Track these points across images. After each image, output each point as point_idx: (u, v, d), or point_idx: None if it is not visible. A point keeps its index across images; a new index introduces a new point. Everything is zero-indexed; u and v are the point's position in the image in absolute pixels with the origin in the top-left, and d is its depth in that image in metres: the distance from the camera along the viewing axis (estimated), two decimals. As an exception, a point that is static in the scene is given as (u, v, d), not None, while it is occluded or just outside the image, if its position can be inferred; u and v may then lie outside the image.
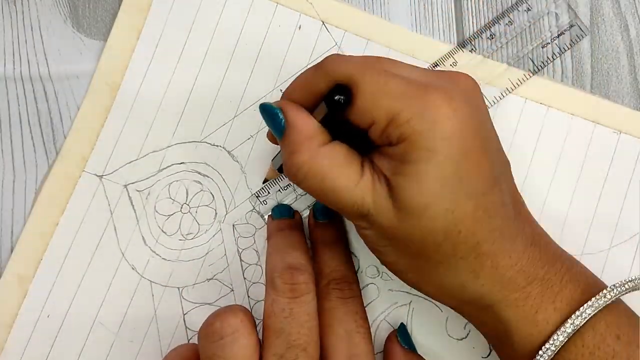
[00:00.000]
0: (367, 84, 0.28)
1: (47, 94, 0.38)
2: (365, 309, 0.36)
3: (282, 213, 0.36)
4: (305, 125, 0.30)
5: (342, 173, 0.29)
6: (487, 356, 0.36)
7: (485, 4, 0.40)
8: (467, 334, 0.36)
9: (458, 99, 0.28)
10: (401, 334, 0.35)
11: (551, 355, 0.28)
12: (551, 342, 0.28)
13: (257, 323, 0.36)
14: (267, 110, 0.31)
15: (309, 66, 0.38)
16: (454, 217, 0.28)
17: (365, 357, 0.31)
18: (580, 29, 0.38)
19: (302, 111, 0.30)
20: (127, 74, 0.38)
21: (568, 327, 0.28)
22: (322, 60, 0.30)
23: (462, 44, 0.38)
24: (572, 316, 0.28)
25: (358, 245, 0.37)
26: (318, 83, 0.30)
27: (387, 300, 0.37)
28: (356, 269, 0.37)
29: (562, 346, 0.28)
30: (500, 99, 0.38)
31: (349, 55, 0.30)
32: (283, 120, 0.30)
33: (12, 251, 0.37)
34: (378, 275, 0.37)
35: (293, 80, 0.31)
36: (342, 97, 0.28)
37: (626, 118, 0.38)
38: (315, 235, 0.36)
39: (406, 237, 0.29)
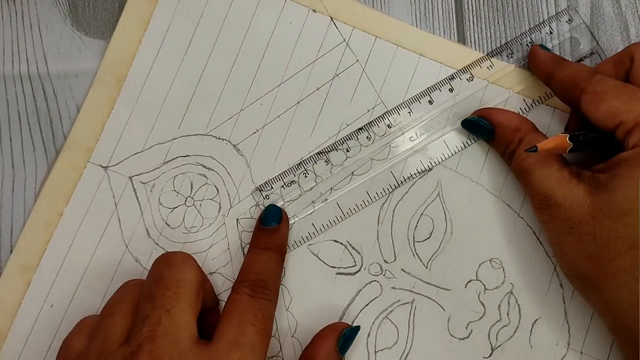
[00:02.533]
0: (614, 102, 0.31)
1: (47, 92, 0.38)
2: (368, 306, 0.36)
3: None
4: (511, 118, 0.35)
5: (546, 161, 0.32)
6: (489, 356, 0.36)
7: (485, 2, 0.40)
8: (469, 334, 0.36)
9: None
10: (344, 340, 0.34)
11: None
12: None
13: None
14: (471, 122, 0.36)
15: (316, 62, 0.38)
16: None
17: (250, 349, 0.30)
18: (600, 57, 0.38)
19: (502, 110, 0.36)
20: (134, 66, 0.38)
21: None
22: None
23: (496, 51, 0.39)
24: None
25: (361, 241, 0.37)
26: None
27: (389, 298, 0.37)
28: (359, 266, 0.37)
29: None
30: (532, 107, 0.38)
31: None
32: (487, 124, 0.36)
33: (11, 250, 0.37)
34: (381, 273, 0.37)
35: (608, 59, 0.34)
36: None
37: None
38: (255, 238, 0.36)
39: (591, 234, 0.29)
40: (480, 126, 0.36)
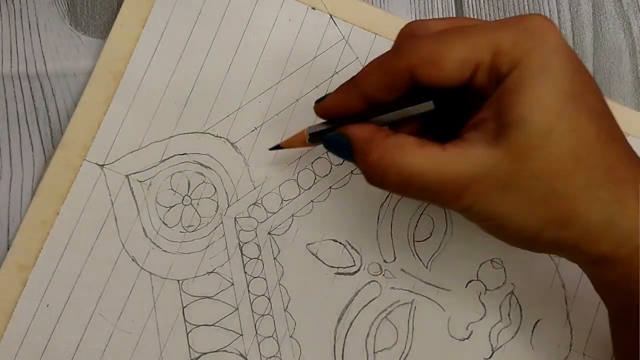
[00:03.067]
0: (455, 49, 0.26)
1: (45, 92, 0.38)
2: (367, 306, 0.36)
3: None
4: (361, 130, 0.29)
5: (418, 154, 0.27)
6: (490, 357, 0.36)
7: (485, 2, 0.39)
8: (470, 335, 0.36)
9: (551, 21, 0.27)
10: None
11: None
12: None
13: (256, 319, 0.36)
14: (332, 141, 0.30)
15: (315, 59, 0.37)
16: (578, 138, 0.26)
17: None
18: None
19: (357, 125, 0.29)
20: (131, 63, 0.38)
21: None
22: (396, 47, 0.28)
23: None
24: None
25: (361, 241, 0.36)
26: (396, 65, 0.28)
27: (389, 298, 0.36)
28: (358, 266, 0.36)
29: None
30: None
31: (423, 25, 0.29)
32: (345, 140, 0.29)
33: (8, 249, 0.36)
34: (380, 273, 0.36)
35: (365, 66, 0.29)
36: (455, 98, 0.28)
37: (629, 120, 0.37)
38: None
39: (531, 177, 0.26)
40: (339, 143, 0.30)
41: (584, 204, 0.26)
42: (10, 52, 0.38)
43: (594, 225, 0.26)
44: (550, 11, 0.39)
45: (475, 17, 0.39)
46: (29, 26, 0.39)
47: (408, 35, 0.29)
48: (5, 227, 0.37)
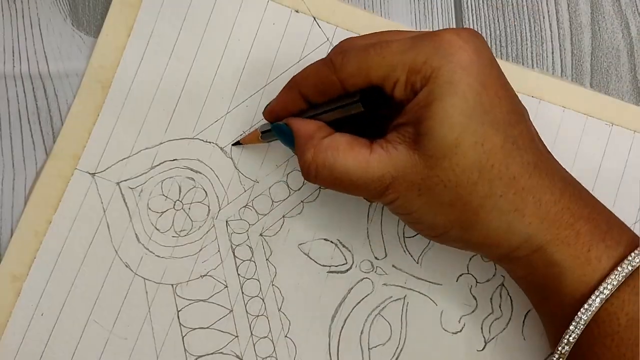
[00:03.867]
0: (375, 68, 0.29)
1: (47, 92, 0.38)
2: (360, 303, 0.36)
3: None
4: (304, 126, 0.31)
5: (348, 156, 0.30)
6: (482, 349, 0.36)
7: (485, 1, 0.40)
8: (462, 328, 0.36)
9: (465, 34, 0.29)
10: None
11: (607, 296, 0.28)
12: (608, 281, 0.28)
13: (251, 320, 0.36)
14: (277, 128, 0.33)
15: (300, 61, 0.38)
16: (484, 150, 0.28)
17: None
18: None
19: (302, 119, 0.32)
20: (119, 71, 0.38)
21: (626, 266, 0.28)
22: (329, 61, 0.30)
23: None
24: (632, 254, 0.28)
25: (352, 239, 0.37)
26: (329, 77, 0.30)
27: (381, 295, 0.37)
28: (350, 264, 0.37)
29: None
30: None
31: (352, 42, 0.32)
32: (289, 130, 0.32)
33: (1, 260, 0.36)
34: (372, 270, 0.37)
35: (302, 71, 0.32)
36: (379, 99, 0.30)
37: (618, 110, 0.38)
38: None
39: (440, 184, 0.28)
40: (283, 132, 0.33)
41: (484, 212, 0.29)
42: (12, 52, 0.39)
43: (493, 230, 0.29)
44: (548, 11, 0.39)
45: (475, 17, 0.39)
46: (31, 26, 0.39)
47: (339, 50, 0.31)
48: (9, 226, 0.37)
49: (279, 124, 0.33)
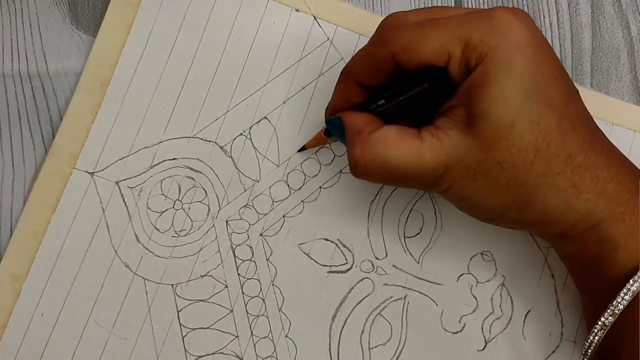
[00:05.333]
0: (430, 41, 0.29)
1: (46, 91, 0.38)
2: (360, 303, 0.36)
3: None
4: (354, 120, 0.31)
5: (399, 148, 0.29)
6: (483, 349, 0.36)
7: (485, 1, 0.39)
8: (463, 328, 0.36)
9: (520, 13, 0.29)
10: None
11: None
12: None
13: (251, 320, 0.36)
14: (331, 123, 0.33)
15: (300, 61, 0.38)
16: (540, 129, 0.28)
17: None
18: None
19: (354, 112, 0.32)
20: (117, 70, 0.38)
21: None
22: (379, 36, 0.30)
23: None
24: None
25: (352, 239, 0.37)
26: (380, 53, 0.30)
27: (382, 294, 0.36)
28: (351, 264, 0.37)
29: None
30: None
31: (402, 17, 0.31)
32: (340, 123, 0.32)
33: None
34: (373, 270, 0.37)
35: (351, 59, 0.32)
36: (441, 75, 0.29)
37: (618, 110, 0.38)
38: None
39: (497, 166, 0.28)
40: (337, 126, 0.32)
41: (542, 190, 0.29)
42: (12, 52, 0.38)
43: (551, 208, 0.29)
44: (549, 10, 0.39)
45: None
46: (30, 25, 0.39)
47: (389, 26, 0.31)
48: (9, 227, 0.37)
49: (332, 118, 0.33)
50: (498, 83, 0.28)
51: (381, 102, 0.31)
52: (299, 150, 0.37)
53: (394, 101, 0.31)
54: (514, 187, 0.29)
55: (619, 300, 0.29)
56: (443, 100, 0.30)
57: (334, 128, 0.33)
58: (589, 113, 0.31)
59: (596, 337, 0.30)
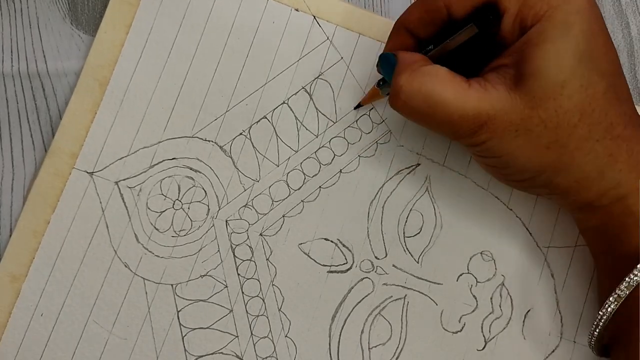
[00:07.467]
0: None
1: (46, 91, 0.38)
2: (360, 303, 0.36)
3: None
4: (409, 55, 0.31)
5: (448, 85, 0.29)
6: (482, 349, 0.36)
7: None
8: (462, 327, 0.36)
9: None
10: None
11: None
12: None
13: (251, 320, 0.36)
14: (384, 58, 0.32)
15: (300, 60, 0.38)
16: (587, 95, 0.29)
17: None
18: None
19: (405, 51, 0.32)
20: (117, 69, 0.38)
21: None
22: None
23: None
24: None
25: (352, 239, 0.37)
26: (435, 2, 0.31)
27: (381, 294, 0.36)
28: (350, 264, 0.37)
29: None
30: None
31: None
32: (393, 58, 0.32)
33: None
34: (373, 270, 0.37)
35: (405, 11, 0.33)
36: (491, 16, 0.30)
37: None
38: None
39: (540, 124, 0.29)
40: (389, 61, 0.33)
41: (580, 155, 0.29)
42: (11, 51, 0.38)
43: (585, 174, 0.30)
44: None
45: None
46: (30, 25, 0.39)
47: None
48: (8, 226, 0.37)
49: (386, 53, 0.32)
50: (554, 43, 0.28)
51: (430, 47, 0.32)
52: (355, 107, 0.37)
53: (443, 44, 0.31)
54: (553, 149, 0.29)
55: (635, 272, 0.29)
56: (491, 56, 0.31)
57: (386, 64, 0.32)
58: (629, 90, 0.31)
59: (609, 308, 0.30)
